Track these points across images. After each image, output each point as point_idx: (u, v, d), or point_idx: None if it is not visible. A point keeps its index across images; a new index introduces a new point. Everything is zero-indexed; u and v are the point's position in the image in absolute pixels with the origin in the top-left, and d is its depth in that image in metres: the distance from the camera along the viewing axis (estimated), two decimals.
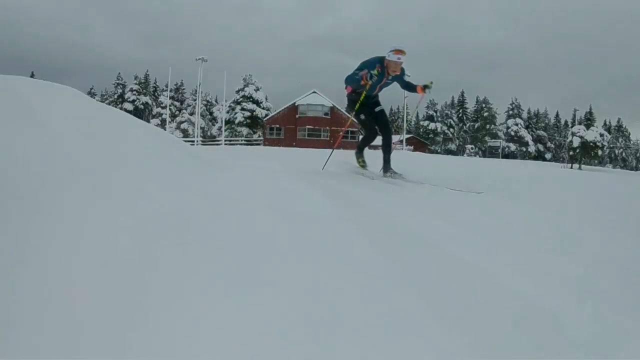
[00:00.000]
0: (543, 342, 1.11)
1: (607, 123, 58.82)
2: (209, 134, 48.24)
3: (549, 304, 1.34)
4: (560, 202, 3.17)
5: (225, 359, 0.90)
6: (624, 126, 59.68)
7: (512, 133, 51.34)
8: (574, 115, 56.25)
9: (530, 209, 3.01)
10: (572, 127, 42.12)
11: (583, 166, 33.32)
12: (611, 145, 51.08)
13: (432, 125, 52.13)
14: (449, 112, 54.63)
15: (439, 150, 50.26)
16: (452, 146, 52.67)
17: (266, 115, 39.81)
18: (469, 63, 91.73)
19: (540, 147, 52.74)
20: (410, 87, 4.72)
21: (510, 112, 52.94)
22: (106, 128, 2.26)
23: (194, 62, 32.56)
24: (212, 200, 1.88)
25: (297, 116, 36.87)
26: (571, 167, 30.10)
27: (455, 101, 57.93)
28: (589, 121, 51.40)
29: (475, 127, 55.07)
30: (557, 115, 58.34)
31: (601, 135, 33.52)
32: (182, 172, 2.39)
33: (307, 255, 1.37)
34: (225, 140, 35.45)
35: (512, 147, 49.97)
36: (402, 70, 4.54)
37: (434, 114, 53.35)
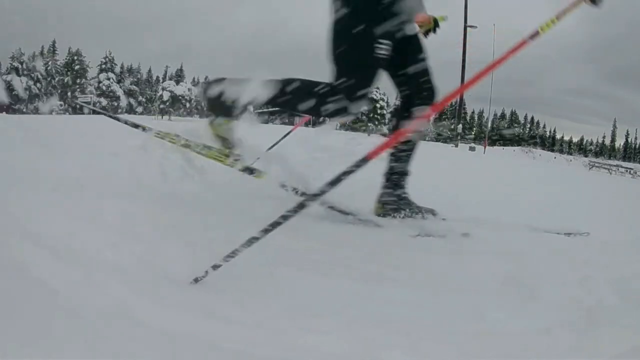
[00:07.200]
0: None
1: (196, 80, 68.64)
2: None
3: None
4: None
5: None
6: None
7: (104, 88, 51.64)
8: (165, 72, 65.99)
9: None
10: (163, 82, 48.31)
11: None
12: (198, 99, 59.57)
13: (16, 81, 46.79)
14: (36, 65, 49.49)
15: (25, 110, 43.52)
16: (40, 104, 48.26)
17: None
18: None
19: (132, 101, 57.14)
20: None
21: (104, 66, 53.49)
22: None
23: None
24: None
25: None
26: (162, 119, 32.93)
27: (45, 51, 54.06)
28: (179, 77, 60.82)
29: (65, 81, 53.12)
30: (149, 70, 66.96)
31: (189, 90, 42.07)
32: None
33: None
34: None
35: (104, 102, 50.35)
36: None
37: (19, 65, 48.18)
